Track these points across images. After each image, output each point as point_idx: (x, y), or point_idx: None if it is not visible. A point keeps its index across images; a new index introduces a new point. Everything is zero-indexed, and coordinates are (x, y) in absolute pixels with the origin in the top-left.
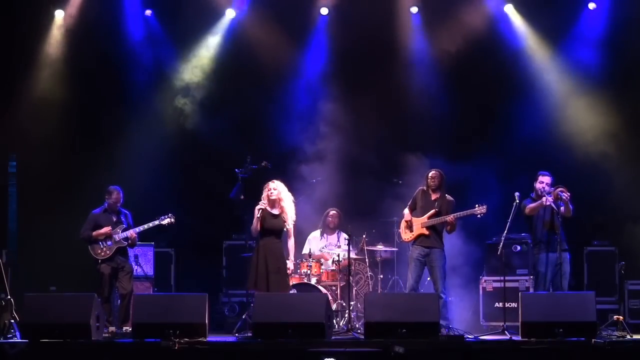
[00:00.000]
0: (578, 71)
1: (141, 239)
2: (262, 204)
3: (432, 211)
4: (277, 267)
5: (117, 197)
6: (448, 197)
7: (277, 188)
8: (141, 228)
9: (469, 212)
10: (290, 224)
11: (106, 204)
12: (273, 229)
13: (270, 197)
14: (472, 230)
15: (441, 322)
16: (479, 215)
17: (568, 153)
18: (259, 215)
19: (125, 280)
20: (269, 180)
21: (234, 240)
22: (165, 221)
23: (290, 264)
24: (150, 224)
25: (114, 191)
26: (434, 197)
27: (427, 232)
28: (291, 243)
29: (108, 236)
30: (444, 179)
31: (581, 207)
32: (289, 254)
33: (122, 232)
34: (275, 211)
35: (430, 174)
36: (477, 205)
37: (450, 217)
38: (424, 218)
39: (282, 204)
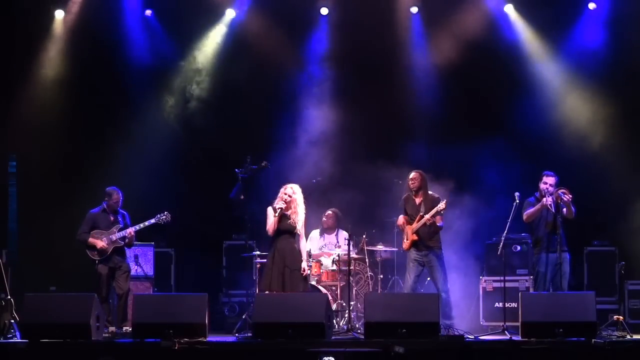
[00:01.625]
0: (578, 70)
1: (141, 239)
2: (281, 205)
3: (418, 216)
4: (297, 266)
5: (117, 198)
6: (432, 195)
7: (295, 192)
8: (137, 227)
9: (434, 211)
10: (300, 226)
11: (104, 205)
12: (287, 229)
13: (287, 200)
14: (472, 230)
15: (446, 321)
16: (442, 212)
17: (568, 152)
18: (277, 215)
19: (121, 280)
20: (287, 183)
21: (234, 240)
22: (161, 219)
23: (304, 264)
24: (147, 223)
25: (114, 192)
26: (418, 200)
27: (417, 238)
28: (303, 244)
29: (102, 250)
30: (424, 179)
31: (581, 207)
32: (302, 254)
33: (118, 232)
34: (288, 212)
35: (410, 177)
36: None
37: (426, 217)
38: (414, 224)
39: (296, 207)
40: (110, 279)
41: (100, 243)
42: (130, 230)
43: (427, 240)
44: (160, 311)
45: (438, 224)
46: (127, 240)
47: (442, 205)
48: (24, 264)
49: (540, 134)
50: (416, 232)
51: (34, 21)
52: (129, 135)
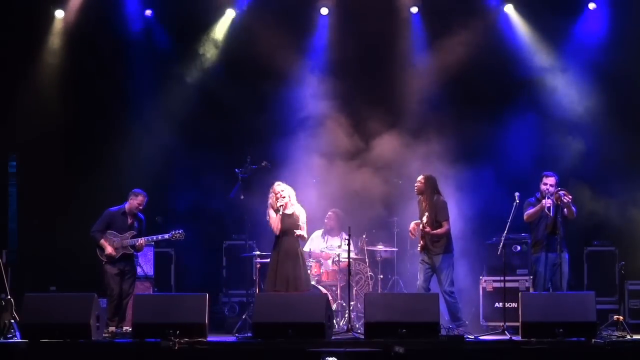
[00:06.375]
0: (578, 69)
1: None
2: (281, 202)
3: (420, 221)
4: (298, 266)
5: (142, 201)
6: (437, 198)
7: (284, 190)
8: (149, 238)
9: (420, 226)
10: (302, 220)
11: (126, 205)
12: (290, 228)
13: (282, 199)
14: (472, 230)
15: (456, 323)
16: (425, 228)
17: (568, 152)
18: (279, 214)
19: (127, 284)
20: (274, 183)
21: (234, 240)
22: (175, 236)
23: (300, 232)
24: (160, 237)
25: (140, 194)
26: (424, 204)
27: (423, 243)
28: (305, 234)
29: (110, 256)
30: (427, 183)
31: (581, 207)
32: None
33: (131, 238)
34: (289, 211)
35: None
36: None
37: (419, 229)
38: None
39: (293, 203)
40: (119, 277)
41: (110, 249)
42: (142, 241)
43: (431, 245)
44: (160, 311)
45: (437, 232)
46: (136, 248)
47: (424, 219)
48: (24, 264)
49: (539, 134)
50: (422, 236)
51: (33, 21)
52: (129, 134)
